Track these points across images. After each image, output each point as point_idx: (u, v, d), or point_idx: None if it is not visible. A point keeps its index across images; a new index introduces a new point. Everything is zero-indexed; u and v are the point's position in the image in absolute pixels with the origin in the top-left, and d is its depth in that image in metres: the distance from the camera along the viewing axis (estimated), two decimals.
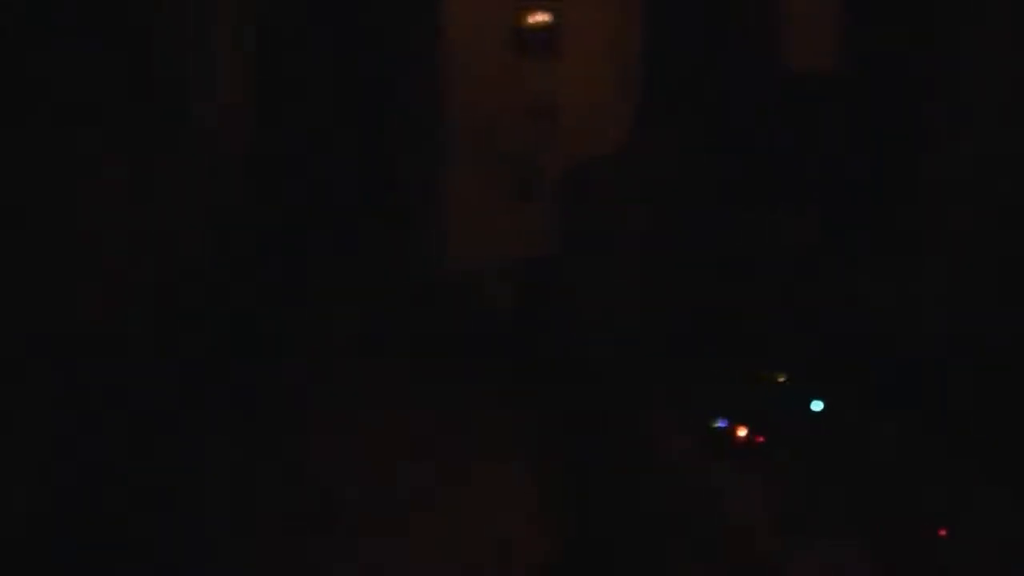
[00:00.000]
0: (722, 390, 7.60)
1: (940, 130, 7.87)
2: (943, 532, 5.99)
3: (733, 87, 9.14)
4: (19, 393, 7.02)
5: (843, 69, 8.78)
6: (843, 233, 8.39)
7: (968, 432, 6.83)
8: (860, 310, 7.88)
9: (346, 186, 9.98)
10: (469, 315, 9.63)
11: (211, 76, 9.05)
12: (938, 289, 7.58)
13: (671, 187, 8.87)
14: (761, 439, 7.15)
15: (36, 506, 6.83)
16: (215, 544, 6.85)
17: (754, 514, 6.53)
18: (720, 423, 7.27)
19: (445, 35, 9.79)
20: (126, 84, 8.35)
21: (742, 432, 7.18)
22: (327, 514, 7.24)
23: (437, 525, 7.16)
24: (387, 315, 9.61)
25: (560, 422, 8.17)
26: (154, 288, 8.45)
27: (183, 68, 8.74)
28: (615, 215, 8.92)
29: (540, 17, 9.84)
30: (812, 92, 8.82)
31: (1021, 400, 6.79)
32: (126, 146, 8.21)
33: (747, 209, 8.72)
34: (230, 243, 9.24)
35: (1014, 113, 7.46)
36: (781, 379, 7.60)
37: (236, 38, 9.43)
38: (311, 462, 7.85)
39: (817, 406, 7.26)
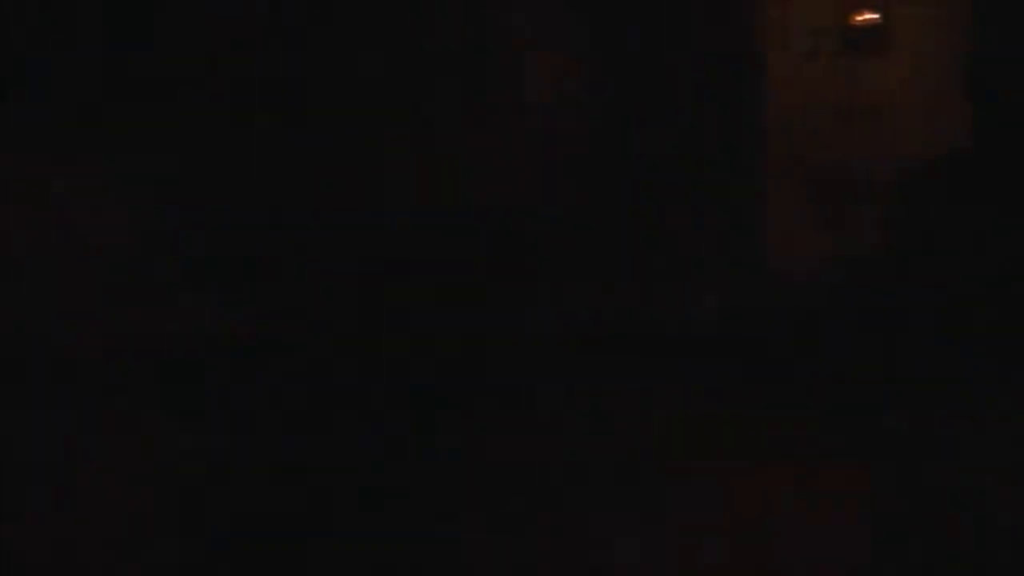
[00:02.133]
0: None
1: None
2: None
3: None
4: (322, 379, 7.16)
5: None
6: None
7: None
8: None
9: (662, 183, 9.94)
10: (787, 314, 9.49)
11: (551, 72, 9.17)
12: None
13: (1014, 189, 8.59)
14: None
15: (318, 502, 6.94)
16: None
17: None
18: None
19: (764, 35, 9.67)
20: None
21: None
22: (651, 512, 7.22)
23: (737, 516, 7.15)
24: (705, 312, 9.53)
25: (894, 429, 7.99)
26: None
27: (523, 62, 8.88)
28: (954, 216, 8.67)
29: (866, 15, 9.65)
30: None
31: None
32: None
33: None
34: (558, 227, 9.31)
35: None
36: None
37: (561, 40, 9.51)
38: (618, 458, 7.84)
39: None
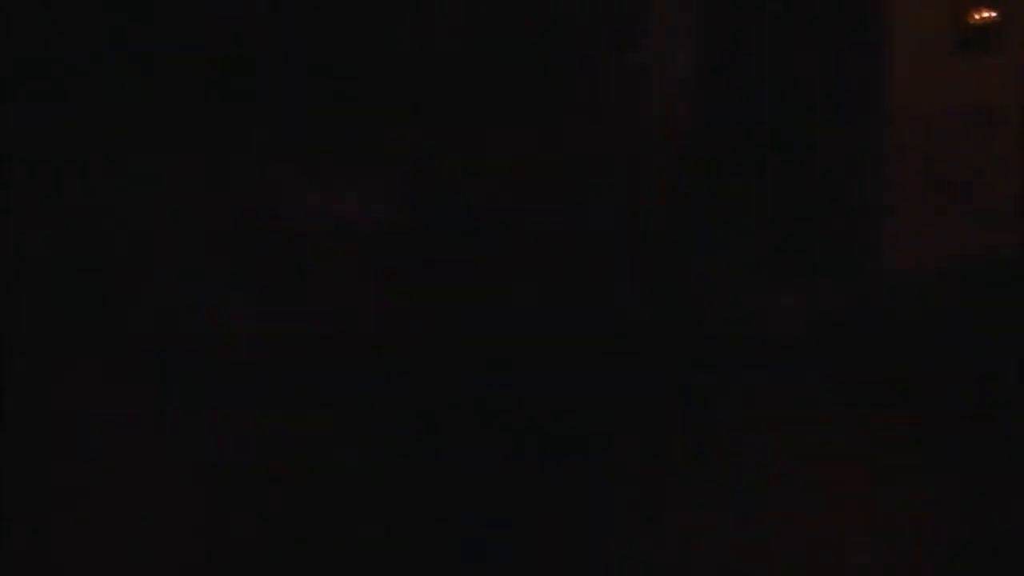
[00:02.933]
0: None
1: None
2: None
3: None
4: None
5: None
6: None
7: None
8: None
9: (786, 183, 10.03)
10: (910, 314, 9.60)
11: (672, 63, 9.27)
12: None
13: None
14: None
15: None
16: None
17: None
18: None
19: (888, 35, 9.72)
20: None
21: None
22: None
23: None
24: (826, 312, 9.64)
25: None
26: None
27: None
28: None
29: (985, 13, 9.68)
30: None
31: None
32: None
33: None
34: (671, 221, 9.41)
35: None
36: None
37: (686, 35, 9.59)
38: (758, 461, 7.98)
39: None
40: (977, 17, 9.64)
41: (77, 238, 7.82)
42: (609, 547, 6.99)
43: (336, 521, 6.92)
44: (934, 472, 7.86)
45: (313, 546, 6.75)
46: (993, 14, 9.62)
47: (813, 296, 9.57)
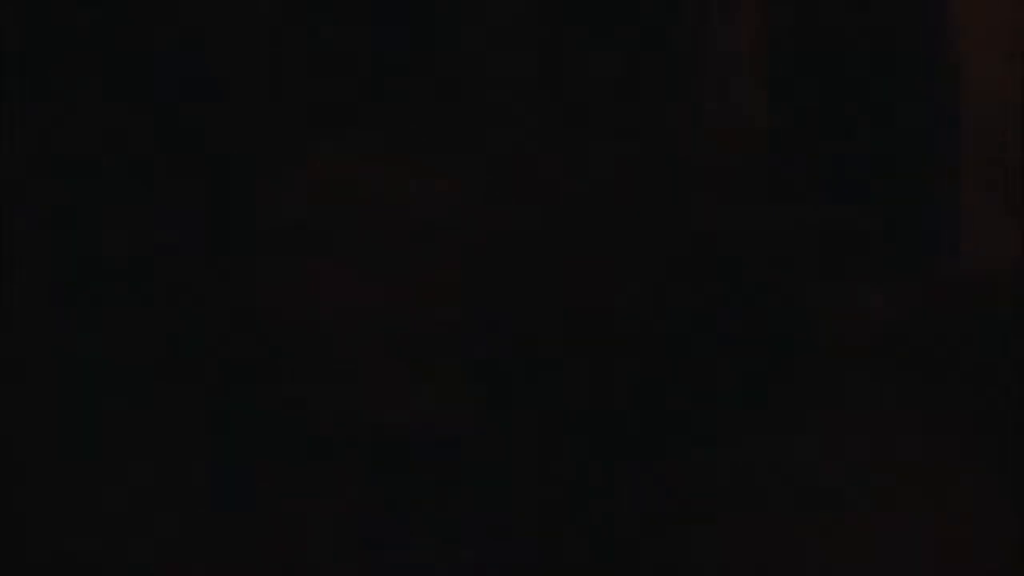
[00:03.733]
0: None
1: None
2: None
3: None
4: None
5: None
6: None
7: None
8: None
9: (856, 183, 9.94)
10: (982, 318, 9.43)
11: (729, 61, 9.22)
12: None
13: None
14: None
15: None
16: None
17: None
18: None
19: (962, 36, 9.61)
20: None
21: None
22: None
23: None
24: (904, 313, 9.49)
25: None
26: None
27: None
28: None
29: None
30: None
31: None
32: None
33: None
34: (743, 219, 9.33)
35: None
36: None
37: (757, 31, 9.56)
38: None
39: None
40: None
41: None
42: (699, 547, 6.92)
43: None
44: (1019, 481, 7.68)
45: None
46: None
47: (890, 296, 9.41)
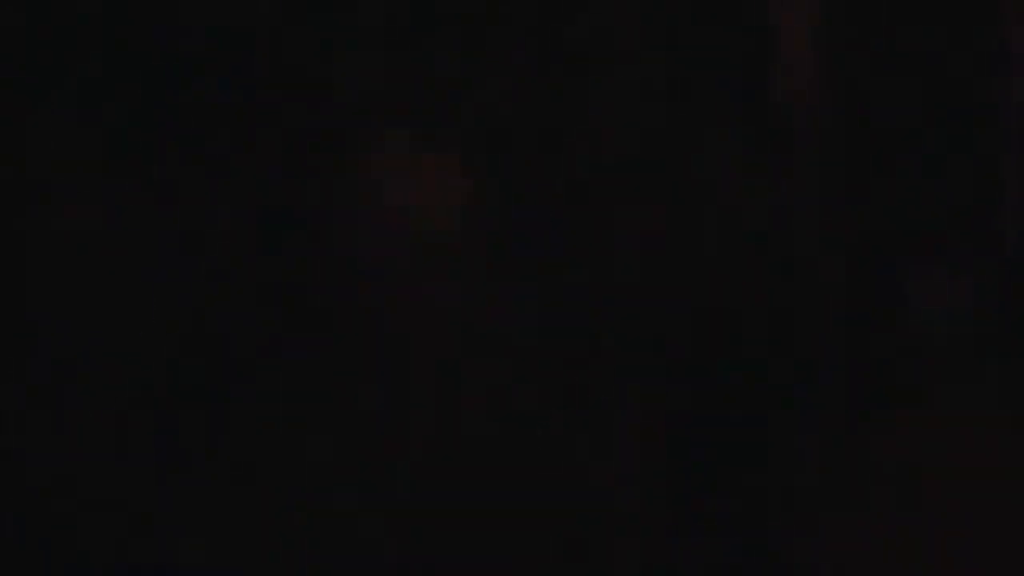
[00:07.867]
0: None
1: None
2: None
3: None
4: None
5: None
6: None
7: None
8: None
9: (907, 177, 9.65)
10: None
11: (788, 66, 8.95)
12: None
13: None
14: None
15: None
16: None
17: None
18: None
19: (1014, 31, 9.26)
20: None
21: None
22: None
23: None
24: (985, 306, 9.18)
25: None
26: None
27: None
28: None
29: None
30: None
31: None
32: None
33: None
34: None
35: None
36: None
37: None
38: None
39: None
40: None
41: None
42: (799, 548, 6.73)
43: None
44: None
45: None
46: None
47: (969, 289, 9.09)
